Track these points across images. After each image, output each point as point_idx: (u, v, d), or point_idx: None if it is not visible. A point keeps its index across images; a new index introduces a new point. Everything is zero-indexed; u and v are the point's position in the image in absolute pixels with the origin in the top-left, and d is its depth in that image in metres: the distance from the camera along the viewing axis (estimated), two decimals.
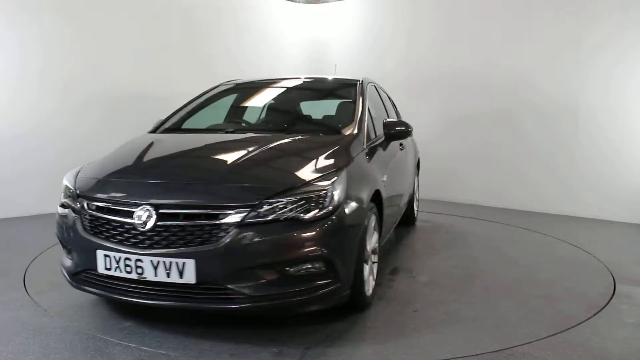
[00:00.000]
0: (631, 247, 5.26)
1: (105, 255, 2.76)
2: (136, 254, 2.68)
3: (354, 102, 3.97)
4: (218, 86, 4.79)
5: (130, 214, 2.75)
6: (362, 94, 4.08)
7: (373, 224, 3.30)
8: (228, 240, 2.61)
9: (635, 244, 5.37)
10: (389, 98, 5.48)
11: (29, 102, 6.25)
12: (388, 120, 4.13)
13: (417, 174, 6.14)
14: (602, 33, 6.34)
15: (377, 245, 3.46)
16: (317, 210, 2.72)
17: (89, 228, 2.89)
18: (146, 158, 3.41)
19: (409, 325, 3.10)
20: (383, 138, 4.01)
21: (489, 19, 7.26)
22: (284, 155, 3.31)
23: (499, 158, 7.25)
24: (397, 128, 3.97)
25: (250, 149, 3.28)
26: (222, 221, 2.64)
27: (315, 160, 3.09)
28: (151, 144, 3.63)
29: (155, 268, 2.65)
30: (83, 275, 2.95)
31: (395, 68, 8.05)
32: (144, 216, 2.70)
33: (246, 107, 4.80)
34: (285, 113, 4.59)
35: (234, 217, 2.64)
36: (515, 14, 7.01)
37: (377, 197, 3.37)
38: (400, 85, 7.32)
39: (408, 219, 5.78)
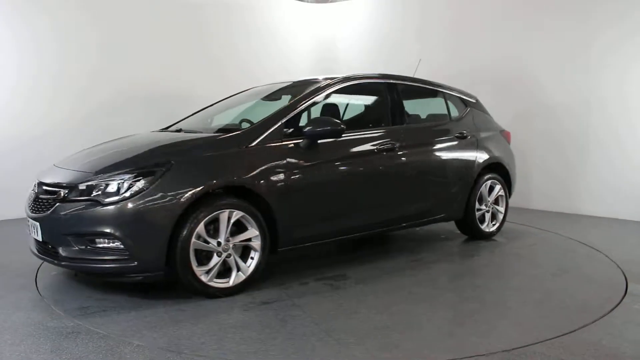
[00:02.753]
0: None
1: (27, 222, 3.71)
2: (30, 218, 3.64)
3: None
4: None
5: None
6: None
7: (209, 219, 3.41)
8: (50, 211, 3.40)
9: None
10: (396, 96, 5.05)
11: (42, 104, 6.32)
12: (312, 118, 4.04)
13: (487, 183, 5.25)
14: (613, 34, 6.30)
15: (259, 242, 3.61)
16: (116, 197, 3.25)
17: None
18: (92, 150, 4.15)
19: (389, 327, 3.09)
20: (304, 139, 3.88)
21: (500, 19, 7.22)
22: (123, 150, 3.80)
23: None
24: (309, 128, 3.85)
25: (121, 146, 3.94)
26: (54, 197, 3.45)
27: (141, 154, 3.59)
28: (117, 139, 4.36)
29: (33, 228, 3.57)
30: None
31: (405, 68, 8.00)
32: (35, 190, 3.72)
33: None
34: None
35: (60, 195, 3.41)
36: (526, 14, 6.98)
37: (252, 195, 3.60)
38: None
39: (473, 231, 5.23)
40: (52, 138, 6.35)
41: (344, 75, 4.51)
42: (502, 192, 5.37)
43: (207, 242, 3.42)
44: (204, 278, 3.42)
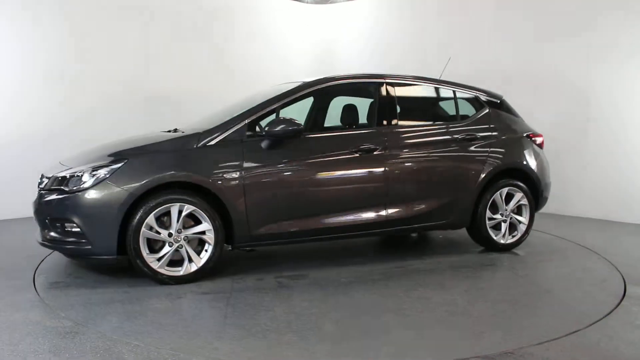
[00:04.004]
0: None
1: None
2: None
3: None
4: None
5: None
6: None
7: (160, 210, 3.69)
8: (36, 197, 3.95)
9: None
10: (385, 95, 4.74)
11: (33, 102, 6.30)
12: (274, 119, 4.06)
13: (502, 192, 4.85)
14: (610, 32, 6.32)
15: (212, 236, 3.80)
16: (74, 186, 3.71)
17: None
18: (89, 148, 4.43)
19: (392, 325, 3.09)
20: (265, 138, 4.00)
21: (500, 20, 7.23)
22: (104, 147, 4.15)
23: None
24: (267, 128, 3.96)
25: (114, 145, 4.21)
26: (44, 186, 3.92)
27: (106, 151, 3.95)
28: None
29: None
30: None
31: (409, 70, 8.01)
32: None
33: None
34: None
35: (45, 185, 3.91)
36: (524, 18, 6.99)
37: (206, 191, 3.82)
38: None
39: (483, 242, 4.88)
40: (40, 138, 6.34)
41: (327, 76, 4.55)
42: (524, 201, 4.86)
43: (159, 233, 3.71)
44: (154, 265, 3.71)
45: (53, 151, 6.05)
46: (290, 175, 4.07)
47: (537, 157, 5.04)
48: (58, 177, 3.84)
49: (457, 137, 4.71)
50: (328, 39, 9.16)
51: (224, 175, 3.85)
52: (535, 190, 4.98)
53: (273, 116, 4.12)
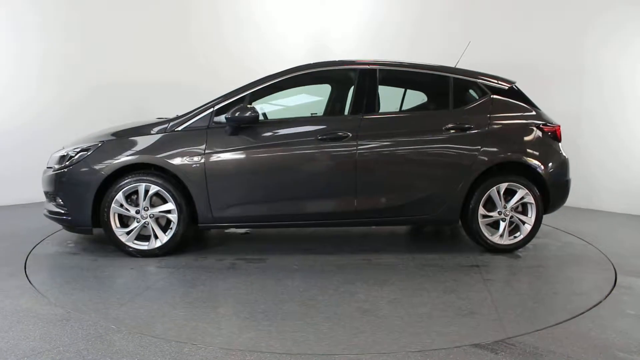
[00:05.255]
0: (632, 238, 5.25)
1: None
2: None
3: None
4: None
5: None
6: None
7: (128, 189, 4.07)
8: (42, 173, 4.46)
9: (636, 236, 5.36)
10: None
11: (27, 93, 6.25)
12: (236, 107, 4.16)
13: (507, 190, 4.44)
14: (604, 26, 6.31)
15: (173, 211, 4.11)
16: (61, 165, 4.20)
17: None
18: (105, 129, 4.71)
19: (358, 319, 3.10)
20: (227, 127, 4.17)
21: (496, 13, 7.20)
22: (99, 132, 4.49)
23: None
24: (226, 115, 4.13)
25: None
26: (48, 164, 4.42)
27: (91, 135, 4.42)
28: None
29: None
30: None
31: (400, 56, 7.97)
32: None
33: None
34: None
35: (48, 162, 4.43)
36: (521, 9, 6.96)
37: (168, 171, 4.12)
38: None
39: (478, 242, 4.45)
40: (32, 128, 6.27)
41: (307, 64, 4.50)
42: (530, 199, 4.38)
43: (128, 210, 4.08)
44: (122, 238, 4.11)
45: (43, 140, 6.04)
46: (249, 161, 4.15)
47: (547, 150, 4.47)
48: (56, 156, 4.33)
49: (444, 127, 4.34)
50: (321, 27, 9.05)
51: (186, 159, 4.10)
52: (544, 187, 4.46)
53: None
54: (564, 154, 4.56)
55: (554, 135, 4.54)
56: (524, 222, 4.43)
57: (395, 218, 4.43)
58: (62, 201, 4.18)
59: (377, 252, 4.48)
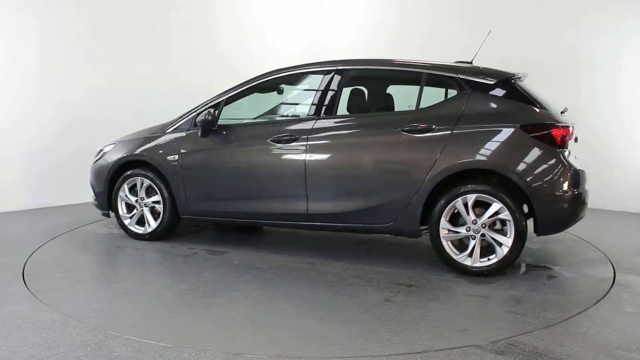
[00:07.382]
0: (631, 236, 5.26)
1: None
2: None
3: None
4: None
5: None
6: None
7: (128, 177, 4.81)
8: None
9: (635, 234, 5.37)
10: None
11: (28, 99, 6.22)
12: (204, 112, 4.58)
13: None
14: (600, 22, 6.33)
15: (159, 203, 4.70)
16: (95, 158, 5.11)
17: None
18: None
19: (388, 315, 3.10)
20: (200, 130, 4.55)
21: (495, 13, 7.22)
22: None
23: None
24: (196, 120, 4.55)
25: None
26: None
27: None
28: None
29: None
30: None
31: (398, 54, 7.97)
32: None
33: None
34: None
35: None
36: (518, 5, 6.98)
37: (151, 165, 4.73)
38: None
39: (445, 261, 3.91)
40: (34, 134, 6.26)
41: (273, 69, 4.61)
42: (506, 216, 3.66)
43: (129, 199, 4.83)
44: (126, 222, 4.86)
45: (51, 146, 6.02)
46: (213, 161, 4.55)
47: (532, 157, 3.71)
48: (95, 151, 5.13)
49: (402, 128, 3.92)
50: (317, 26, 9.05)
51: (167, 157, 4.64)
52: (527, 201, 3.76)
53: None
54: (565, 162, 3.76)
55: (549, 138, 3.73)
56: (500, 244, 3.73)
57: (351, 225, 4.17)
58: (92, 189, 5.08)
59: (337, 259, 4.23)
